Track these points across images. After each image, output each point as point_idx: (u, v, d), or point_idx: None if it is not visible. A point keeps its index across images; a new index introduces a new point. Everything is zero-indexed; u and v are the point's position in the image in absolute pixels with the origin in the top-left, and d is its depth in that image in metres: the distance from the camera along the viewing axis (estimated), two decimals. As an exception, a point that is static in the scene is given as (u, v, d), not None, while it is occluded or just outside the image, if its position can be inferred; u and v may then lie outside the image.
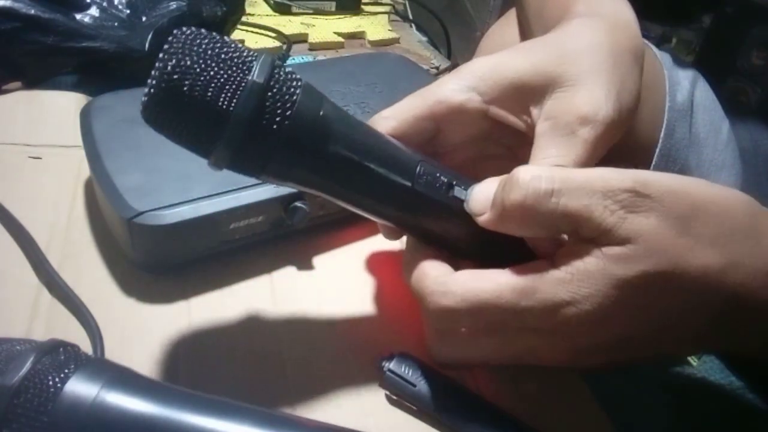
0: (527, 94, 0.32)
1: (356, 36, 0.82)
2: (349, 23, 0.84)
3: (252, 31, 0.76)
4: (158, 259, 0.36)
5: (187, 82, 0.24)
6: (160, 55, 0.24)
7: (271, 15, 0.82)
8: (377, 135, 0.30)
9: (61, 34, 0.52)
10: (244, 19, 0.75)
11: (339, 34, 0.79)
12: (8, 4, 0.50)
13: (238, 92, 0.25)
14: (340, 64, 0.58)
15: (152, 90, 0.24)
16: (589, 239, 0.26)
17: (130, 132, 0.39)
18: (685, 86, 0.48)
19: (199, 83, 0.24)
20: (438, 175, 0.30)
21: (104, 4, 0.56)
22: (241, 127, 0.25)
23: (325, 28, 0.81)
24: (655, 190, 0.26)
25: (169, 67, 0.24)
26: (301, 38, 0.77)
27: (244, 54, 0.25)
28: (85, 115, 0.40)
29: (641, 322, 0.27)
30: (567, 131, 0.30)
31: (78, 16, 0.54)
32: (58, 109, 0.49)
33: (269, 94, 0.25)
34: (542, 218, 0.27)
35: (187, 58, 0.24)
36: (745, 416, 0.39)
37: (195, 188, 0.36)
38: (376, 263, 0.40)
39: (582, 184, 0.26)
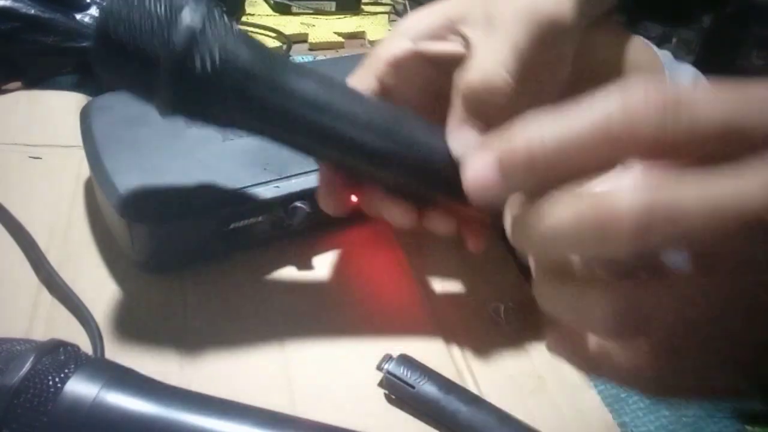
0: (456, 22, 0.33)
1: (356, 36, 0.82)
2: (349, 23, 0.84)
3: (252, 31, 0.76)
4: (158, 259, 0.36)
5: (120, 29, 0.25)
6: (99, 6, 0.25)
7: (271, 15, 0.82)
8: (329, 80, 0.30)
9: (61, 34, 0.52)
10: (244, 19, 0.75)
11: (339, 34, 0.79)
12: (8, 4, 0.50)
13: (170, 36, 0.25)
14: (340, 64, 0.58)
15: (93, 38, 0.25)
16: None
17: (130, 132, 0.39)
18: (685, 86, 0.48)
19: (133, 29, 0.25)
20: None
21: (104, 4, 0.56)
22: (172, 71, 0.25)
23: (325, 28, 0.81)
24: None
25: (104, 14, 0.25)
26: (301, 38, 0.77)
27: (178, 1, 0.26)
28: (85, 115, 0.40)
29: None
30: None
31: (78, 16, 0.54)
32: (58, 109, 0.49)
33: (201, 37, 0.25)
34: None
35: (121, 6, 0.25)
36: (745, 416, 0.39)
37: (195, 188, 0.36)
38: (376, 263, 0.40)
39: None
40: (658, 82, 0.18)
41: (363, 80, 0.33)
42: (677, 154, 0.18)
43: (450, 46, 0.33)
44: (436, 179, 0.30)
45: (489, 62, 0.31)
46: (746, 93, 0.18)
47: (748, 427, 0.39)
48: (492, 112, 0.30)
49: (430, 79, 0.34)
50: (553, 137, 0.18)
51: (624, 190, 0.16)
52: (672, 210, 0.16)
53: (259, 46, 0.27)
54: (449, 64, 0.33)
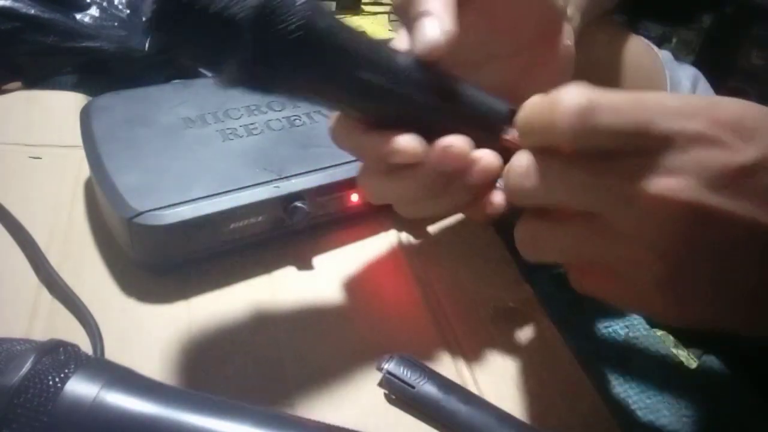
0: None
1: (356, 36, 0.82)
2: (349, 23, 0.84)
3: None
4: (158, 259, 0.36)
5: None
6: None
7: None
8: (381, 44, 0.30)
9: (61, 34, 0.52)
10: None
11: (339, 34, 0.79)
12: (8, 4, 0.50)
13: None
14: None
15: (157, 5, 0.23)
16: None
17: (130, 132, 0.39)
18: (686, 86, 0.48)
19: None
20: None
21: (104, 4, 0.56)
22: (256, 31, 0.24)
23: (325, 28, 0.81)
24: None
25: None
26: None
27: None
28: (85, 115, 0.40)
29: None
30: None
31: (78, 16, 0.54)
32: (58, 109, 0.49)
33: None
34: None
35: None
36: (745, 416, 0.39)
37: (195, 188, 0.36)
38: (376, 263, 0.40)
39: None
40: (580, 91, 0.26)
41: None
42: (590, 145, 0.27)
43: None
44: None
45: None
46: (642, 103, 0.26)
47: (656, 330, 0.41)
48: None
49: None
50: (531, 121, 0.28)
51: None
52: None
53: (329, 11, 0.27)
54: None
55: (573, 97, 0.27)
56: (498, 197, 0.32)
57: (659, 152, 0.26)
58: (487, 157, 0.30)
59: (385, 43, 0.30)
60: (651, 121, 0.26)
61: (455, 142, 0.30)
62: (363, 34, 0.29)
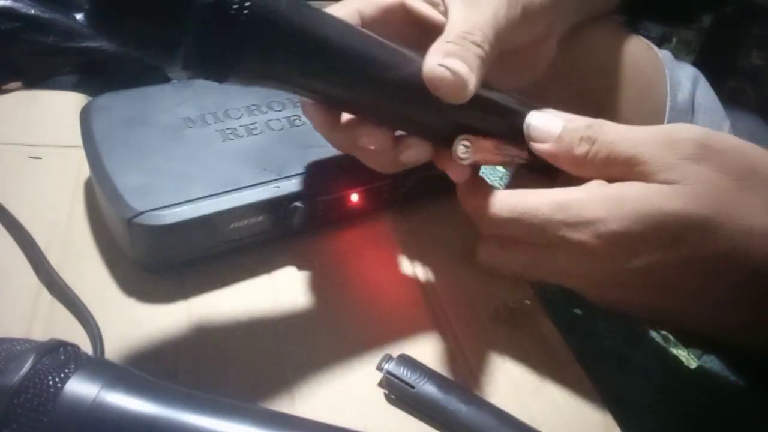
0: None
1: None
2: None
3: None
4: (158, 259, 0.36)
5: None
6: None
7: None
8: (346, 24, 0.30)
9: (61, 34, 0.52)
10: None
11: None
12: (8, 4, 0.50)
13: None
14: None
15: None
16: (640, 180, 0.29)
17: (130, 132, 0.39)
18: (686, 86, 0.48)
19: None
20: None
21: (104, 4, 0.56)
22: (207, 14, 0.23)
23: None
24: (720, 144, 0.27)
25: None
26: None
27: None
28: (85, 115, 0.40)
29: (666, 265, 0.28)
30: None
31: (78, 16, 0.54)
32: (58, 109, 0.49)
33: None
34: (599, 165, 0.30)
35: None
36: (745, 416, 0.39)
37: (195, 188, 0.36)
38: (376, 263, 0.40)
39: (636, 133, 0.29)
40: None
41: (348, 13, 0.33)
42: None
43: (430, 11, 0.34)
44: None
45: (456, 34, 0.30)
46: (524, 203, 0.31)
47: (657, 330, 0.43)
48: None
49: (406, 34, 0.34)
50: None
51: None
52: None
53: None
54: (432, 32, 0.32)
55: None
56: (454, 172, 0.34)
57: (551, 250, 0.31)
58: (415, 149, 0.33)
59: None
60: (542, 226, 0.30)
61: (376, 137, 0.32)
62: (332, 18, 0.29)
